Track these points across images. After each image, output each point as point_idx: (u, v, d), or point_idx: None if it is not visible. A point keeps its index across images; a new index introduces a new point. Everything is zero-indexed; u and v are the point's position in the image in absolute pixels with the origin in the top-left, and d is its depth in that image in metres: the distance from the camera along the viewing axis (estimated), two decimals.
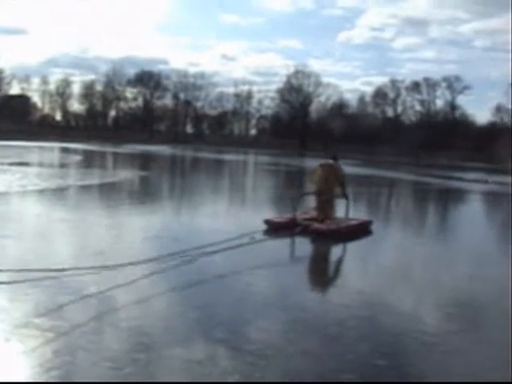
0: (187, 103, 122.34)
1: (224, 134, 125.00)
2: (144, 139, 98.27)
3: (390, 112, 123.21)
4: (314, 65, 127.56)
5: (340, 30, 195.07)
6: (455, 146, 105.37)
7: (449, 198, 28.97)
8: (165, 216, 15.12)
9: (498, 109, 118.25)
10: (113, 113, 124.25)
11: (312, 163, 53.72)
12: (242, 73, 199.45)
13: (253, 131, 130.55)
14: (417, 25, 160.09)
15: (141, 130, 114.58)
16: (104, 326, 6.03)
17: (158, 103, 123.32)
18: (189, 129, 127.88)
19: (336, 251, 12.02)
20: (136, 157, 50.14)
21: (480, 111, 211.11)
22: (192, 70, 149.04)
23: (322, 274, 10.03)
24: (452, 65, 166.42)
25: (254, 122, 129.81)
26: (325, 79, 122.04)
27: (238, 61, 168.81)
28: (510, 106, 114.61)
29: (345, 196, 13.91)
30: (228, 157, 59.84)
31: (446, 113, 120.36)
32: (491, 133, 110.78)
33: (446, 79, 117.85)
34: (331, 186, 13.82)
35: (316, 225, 12.83)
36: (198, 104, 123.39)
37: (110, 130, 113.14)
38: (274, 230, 12.45)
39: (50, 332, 5.67)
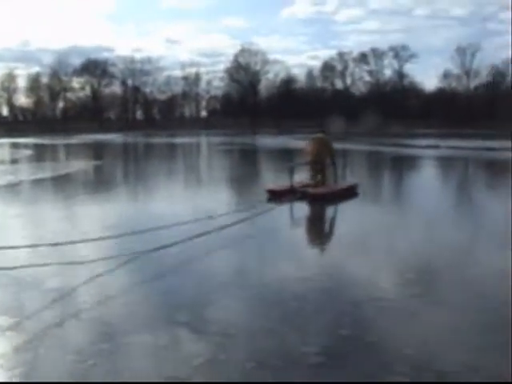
0: (136, 89, 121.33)
1: (175, 118, 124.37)
2: (94, 128, 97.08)
3: (339, 84, 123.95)
4: (260, 42, 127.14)
5: (283, 6, 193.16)
6: (406, 114, 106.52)
7: (404, 164, 29.34)
8: (123, 204, 14.96)
9: (446, 75, 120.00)
10: (61, 104, 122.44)
11: (265, 140, 54.45)
12: (188, 55, 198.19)
13: (204, 113, 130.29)
14: None
15: (90, 120, 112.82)
16: (64, 319, 5.94)
17: (106, 91, 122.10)
18: (139, 115, 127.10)
19: (328, 212, 13.80)
20: (87, 147, 49.56)
21: (427, 78, 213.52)
22: (138, 55, 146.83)
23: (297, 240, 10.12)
24: (395, 34, 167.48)
25: (204, 103, 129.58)
26: (272, 56, 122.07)
27: (183, 43, 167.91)
28: (456, 72, 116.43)
29: (334, 164, 16.14)
30: (180, 140, 59.55)
31: (395, 82, 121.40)
32: (440, 99, 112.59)
33: (392, 49, 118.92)
34: (323, 156, 15.89)
35: (312, 190, 14.82)
36: (147, 89, 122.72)
37: (60, 121, 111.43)
38: (276, 196, 14.34)
39: (11, 331, 5.59)
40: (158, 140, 60.74)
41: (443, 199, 16.12)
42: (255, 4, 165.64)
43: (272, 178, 19.55)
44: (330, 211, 13.82)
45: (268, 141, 54.89)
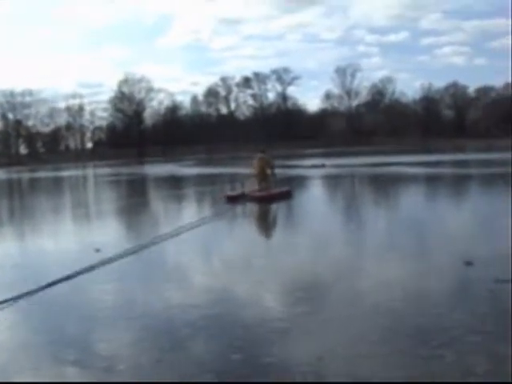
0: (17, 123, 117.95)
1: (60, 151, 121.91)
2: None
3: (223, 110, 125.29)
4: (141, 71, 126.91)
5: (158, 35, 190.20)
6: (291, 135, 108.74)
7: (293, 184, 29.79)
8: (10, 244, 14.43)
9: (327, 96, 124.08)
10: None
11: (153, 169, 54.07)
12: (69, 87, 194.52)
13: (89, 144, 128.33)
14: (231, 24, 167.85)
15: None
16: None
17: None
18: (22, 149, 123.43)
19: (271, 207, 19.40)
20: None
21: (308, 100, 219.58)
22: (18, 88, 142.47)
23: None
24: (272, 59, 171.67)
25: (89, 134, 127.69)
26: (154, 84, 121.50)
27: (64, 74, 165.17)
28: (337, 92, 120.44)
29: (274, 174, 21.89)
30: (66, 173, 58.31)
31: (279, 104, 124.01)
32: (323, 119, 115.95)
33: (274, 72, 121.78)
34: (265, 169, 21.58)
35: (258, 193, 20.75)
36: (30, 122, 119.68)
37: None
38: (232, 200, 20.05)
39: None
40: (44, 174, 59.16)
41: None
42: (133, 34, 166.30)
43: (165, 204, 21.93)
44: (273, 207, 19.41)
45: (155, 169, 54.55)
